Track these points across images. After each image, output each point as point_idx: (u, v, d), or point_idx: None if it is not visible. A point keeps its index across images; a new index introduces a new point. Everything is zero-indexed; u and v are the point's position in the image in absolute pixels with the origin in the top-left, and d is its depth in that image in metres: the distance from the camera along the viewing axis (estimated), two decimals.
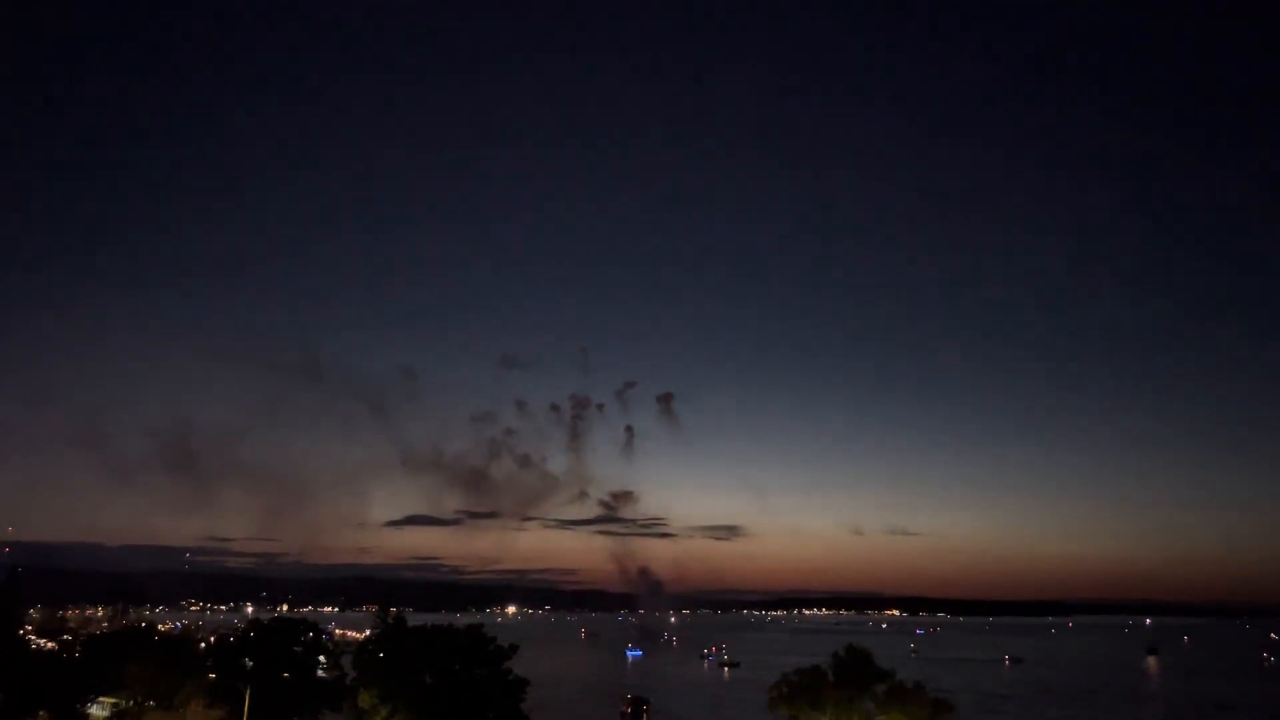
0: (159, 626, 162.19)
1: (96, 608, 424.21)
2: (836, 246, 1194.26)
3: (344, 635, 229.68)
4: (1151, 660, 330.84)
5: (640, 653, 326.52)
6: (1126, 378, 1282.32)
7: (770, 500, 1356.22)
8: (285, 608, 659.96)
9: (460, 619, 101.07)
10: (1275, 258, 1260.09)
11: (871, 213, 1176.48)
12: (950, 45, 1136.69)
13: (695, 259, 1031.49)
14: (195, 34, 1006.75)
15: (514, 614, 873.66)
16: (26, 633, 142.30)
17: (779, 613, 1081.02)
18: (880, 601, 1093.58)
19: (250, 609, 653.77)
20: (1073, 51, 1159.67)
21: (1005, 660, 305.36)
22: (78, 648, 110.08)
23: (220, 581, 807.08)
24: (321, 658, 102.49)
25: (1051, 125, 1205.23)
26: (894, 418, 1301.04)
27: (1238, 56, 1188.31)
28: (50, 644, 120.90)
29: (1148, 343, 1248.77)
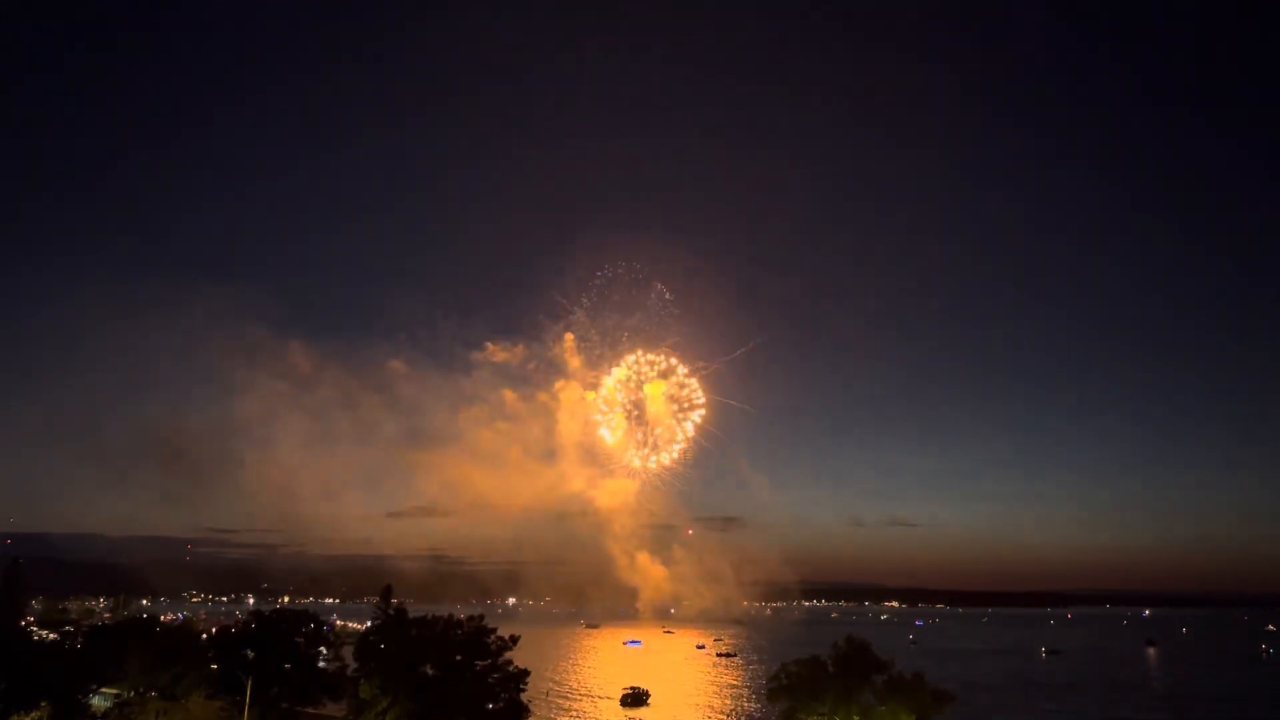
0: (160, 617, 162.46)
1: (98, 599, 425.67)
2: (837, 237, 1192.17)
3: (345, 626, 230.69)
4: (1151, 651, 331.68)
5: (639, 643, 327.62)
6: (1126, 371, 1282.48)
7: (770, 491, 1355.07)
8: (286, 599, 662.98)
9: (461, 610, 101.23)
10: (1272, 254, 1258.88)
11: (870, 204, 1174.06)
12: (953, 39, 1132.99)
13: (693, 251, 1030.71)
14: (185, 28, 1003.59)
15: (514, 604, 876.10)
16: (28, 624, 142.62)
17: (778, 603, 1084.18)
18: (879, 593, 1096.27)
19: (251, 600, 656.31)
20: (1079, 49, 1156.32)
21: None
22: (79, 639, 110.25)
23: (221, 573, 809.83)
24: (323, 649, 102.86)
25: (1054, 123, 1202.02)
26: (894, 409, 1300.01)
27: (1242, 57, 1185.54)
28: (52, 635, 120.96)
29: (1147, 336, 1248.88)
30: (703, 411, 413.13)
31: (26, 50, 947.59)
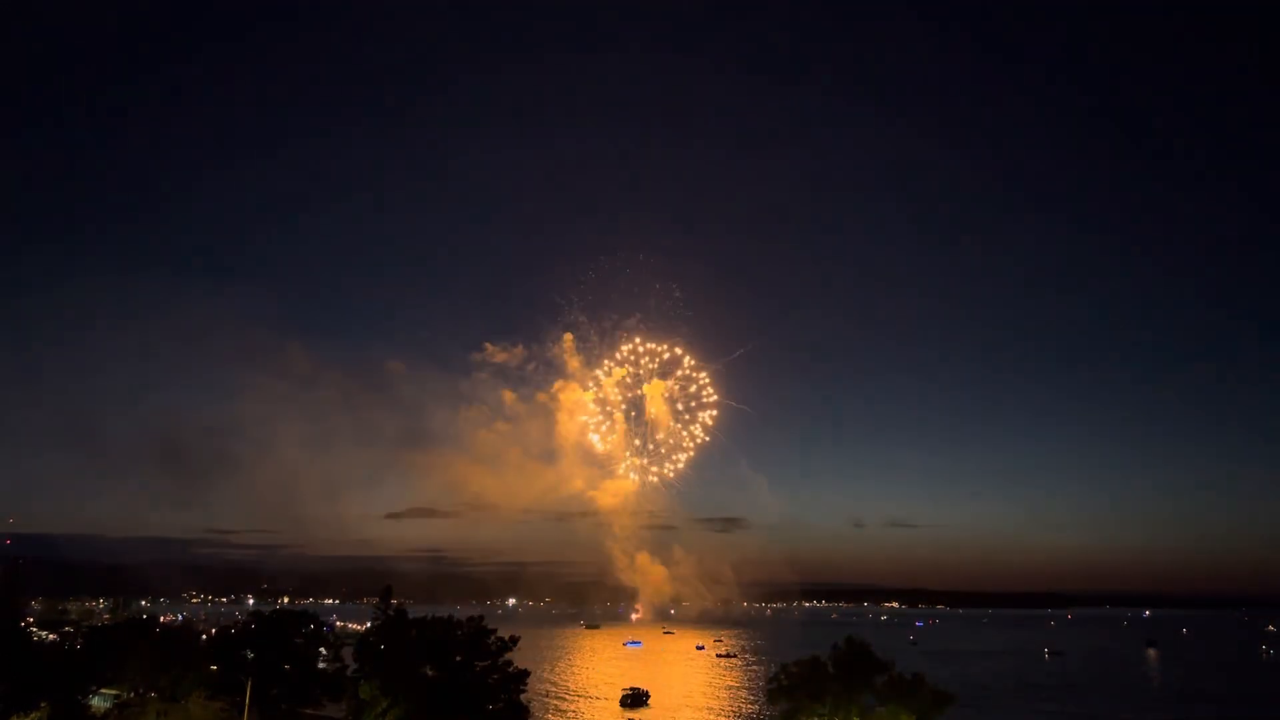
0: (160, 618, 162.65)
1: (97, 600, 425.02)
2: (835, 238, 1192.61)
3: (345, 627, 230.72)
4: (1151, 652, 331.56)
5: (640, 644, 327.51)
6: (1125, 371, 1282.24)
7: (771, 492, 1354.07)
8: (286, 599, 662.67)
9: (460, 611, 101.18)
10: (1273, 255, 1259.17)
11: (869, 206, 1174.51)
12: (953, 43, 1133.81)
13: (690, 252, 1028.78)
14: (184, 27, 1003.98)
15: (514, 605, 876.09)
16: (28, 624, 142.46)
17: (778, 604, 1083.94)
18: (880, 594, 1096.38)
19: (251, 601, 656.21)
20: (1072, 56, 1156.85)
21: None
22: (79, 639, 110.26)
23: (221, 573, 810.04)
24: (322, 649, 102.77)
25: (1058, 128, 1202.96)
26: (894, 410, 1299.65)
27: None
28: (51, 636, 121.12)
29: (1145, 336, 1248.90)
30: (714, 412, 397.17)
31: (25, 48, 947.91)
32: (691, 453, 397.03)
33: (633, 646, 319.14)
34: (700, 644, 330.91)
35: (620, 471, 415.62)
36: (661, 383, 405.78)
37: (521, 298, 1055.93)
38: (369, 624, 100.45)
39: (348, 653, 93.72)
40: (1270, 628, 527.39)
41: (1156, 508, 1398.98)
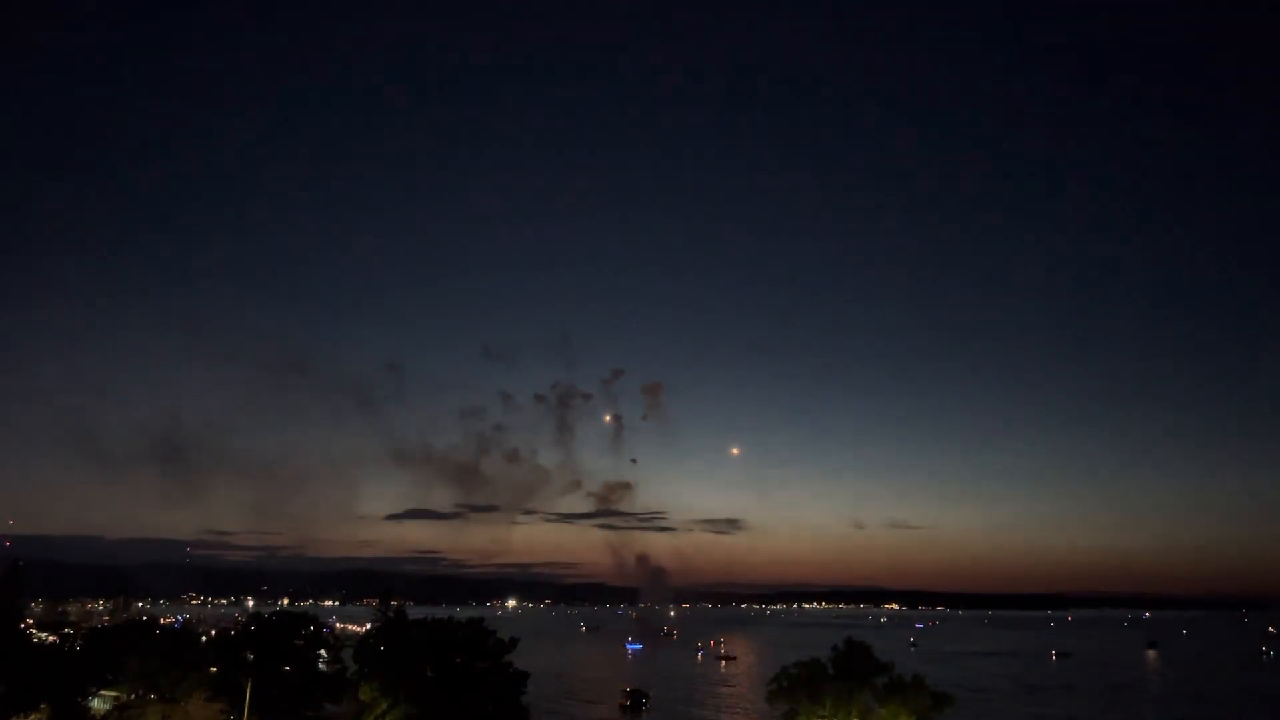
0: (160, 620, 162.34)
1: (97, 601, 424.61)
2: (833, 240, 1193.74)
3: (345, 628, 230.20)
4: (1151, 654, 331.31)
5: (640, 646, 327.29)
6: (1124, 372, 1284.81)
7: (770, 493, 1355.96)
8: (286, 601, 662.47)
9: (460, 612, 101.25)
10: (1272, 254, 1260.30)
11: (870, 207, 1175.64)
12: (947, 45, 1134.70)
13: (687, 251, 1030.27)
14: (191, 37, 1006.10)
15: (514, 607, 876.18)
16: (27, 626, 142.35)
17: (779, 606, 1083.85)
18: (880, 595, 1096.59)
19: (251, 602, 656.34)
20: (1072, 56, 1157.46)
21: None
22: (79, 641, 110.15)
23: (220, 575, 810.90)
24: (322, 651, 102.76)
25: (1055, 130, 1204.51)
26: (895, 411, 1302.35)
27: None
28: (51, 637, 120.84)
29: (1145, 337, 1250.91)
30: (716, 417, 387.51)
31: (36, 51, 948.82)
32: (701, 456, 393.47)
33: (632, 648, 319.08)
34: (700, 645, 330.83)
35: (618, 475, 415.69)
36: (660, 383, 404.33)
37: (523, 302, 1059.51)
38: (369, 625, 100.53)
39: (348, 654, 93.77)
40: (1271, 629, 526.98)
41: (1156, 508, 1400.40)
